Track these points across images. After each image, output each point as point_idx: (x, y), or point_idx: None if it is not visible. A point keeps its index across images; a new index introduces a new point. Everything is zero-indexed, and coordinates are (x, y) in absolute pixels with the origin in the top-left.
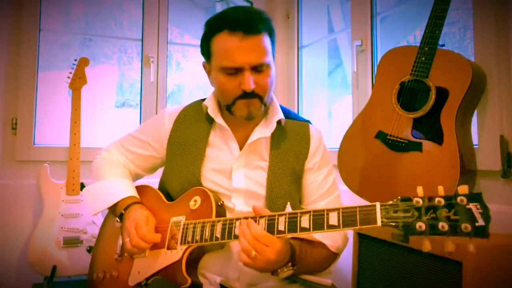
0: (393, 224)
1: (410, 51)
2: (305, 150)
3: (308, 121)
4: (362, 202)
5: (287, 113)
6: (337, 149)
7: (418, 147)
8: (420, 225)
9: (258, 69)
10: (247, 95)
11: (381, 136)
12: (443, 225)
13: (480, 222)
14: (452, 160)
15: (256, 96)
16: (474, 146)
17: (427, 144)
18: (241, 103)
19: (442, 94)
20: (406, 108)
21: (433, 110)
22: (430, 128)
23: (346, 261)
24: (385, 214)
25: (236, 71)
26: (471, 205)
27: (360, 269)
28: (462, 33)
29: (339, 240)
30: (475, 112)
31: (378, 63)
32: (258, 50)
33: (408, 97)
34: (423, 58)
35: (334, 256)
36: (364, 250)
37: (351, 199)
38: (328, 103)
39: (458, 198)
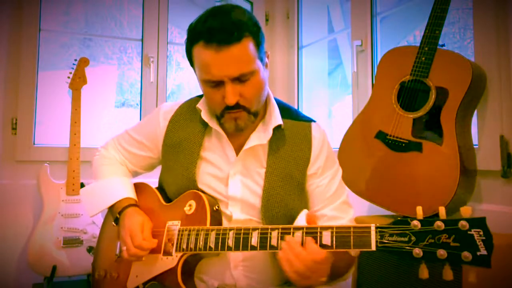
0: (389, 249)
1: (410, 51)
2: (306, 155)
3: (312, 120)
4: (362, 202)
5: (288, 112)
6: (337, 149)
7: (418, 147)
8: (417, 252)
9: (242, 79)
10: (231, 107)
11: (381, 136)
12: (441, 254)
13: (482, 251)
14: (452, 160)
15: (242, 108)
16: (474, 146)
17: (427, 144)
18: (228, 116)
19: (442, 94)
20: (406, 108)
21: (433, 110)
22: (430, 128)
23: None
24: (380, 238)
25: (217, 84)
26: (473, 231)
27: (360, 271)
28: (462, 33)
29: None
30: (475, 112)
31: (378, 63)
32: (238, 60)
33: (408, 97)
34: (423, 58)
35: (353, 259)
36: (364, 252)
37: (352, 200)
38: (328, 103)
39: (460, 223)
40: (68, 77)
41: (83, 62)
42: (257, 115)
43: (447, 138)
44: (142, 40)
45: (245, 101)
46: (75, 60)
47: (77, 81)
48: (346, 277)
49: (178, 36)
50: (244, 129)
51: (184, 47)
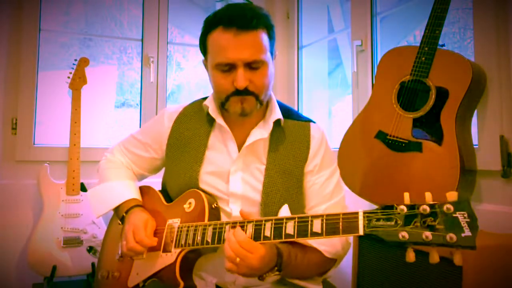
0: (375, 233)
1: (410, 51)
2: (304, 153)
3: (310, 121)
4: (362, 202)
5: (288, 112)
6: (337, 149)
7: (418, 147)
8: (403, 235)
9: (253, 66)
10: (240, 92)
11: (381, 136)
12: (427, 235)
13: (467, 232)
14: (452, 160)
15: (250, 94)
16: (474, 146)
17: (427, 144)
18: (235, 100)
19: (442, 94)
20: (406, 108)
21: (433, 110)
22: (430, 128)
23: (346, 261)
24: (367, 223)
25: (229, 68)
26: (458, 214)
27: (360, 269)
28: (462, 33)
29: (338, 246)
30: (475, 112)
31: (378, 63)
32: (253, 46)
33: (408, 97)
34: (423, 58)
35: (331, 261)
36: (364, 250)
37: (352, 200)
38: (328, 103)
39: (445, 206)
40: (68, 77)
41: (83, 62)
42: (263, 104)
43: (447, 138)
44: (142, 40)
45: (254, 87)
46: (75, 60)
47: (77, 81)
48: (324, 277)
49: (178, 36)
50: (249, 113)
51: (184, 47)
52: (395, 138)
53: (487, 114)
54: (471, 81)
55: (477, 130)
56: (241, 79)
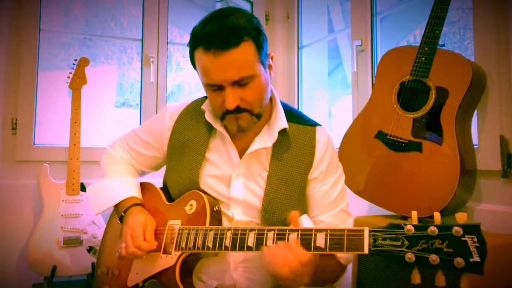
0: (381, 253)
1: (410, 51)
2: (309, 159)
3: (316, 124)
4: (362, 202)
5: (292, 115)
6: (337, 149)
7: (418, 147)
8: (410, 257)
9: (241, 83)
10: (232, 111)
11: (381, 136)
12: (433, 259)
13: (475, 258)
14: (452, 160)
15: (243, 111)
16: (474, 146)
17: (427, 144)
18: (230, 118)
19: (442, 94)
20: (406, 108)
21: (433, 110)
22: (430, 128)
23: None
24: (373, 241)
25: (218, 88)
26: (467, 238)
27: (360, 271)
28: (462, 33)
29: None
30: (475, 112)
31: (378, 63)
32: (237, 64)
33: (408, 97)
34: (423, 58)
35: (343, 268)
36: (364, 258)
37: (352, 200)
38: (328, 103)
39: (454, 229)
40: (68, 77)
41: (83, 62)
42: (260, 116)
43: (447, 138)
44: (142, 40)
45: (246, 104)
46: (75, 60)
47: (77, 81)
48: (335, 285)
49: (178, 36)
50: (247, 130)
51: (184, 47)
52: (395, 138)
53: (487, 114)
54: (471, 81)
55: (477, 130)
56: (230, 100)
